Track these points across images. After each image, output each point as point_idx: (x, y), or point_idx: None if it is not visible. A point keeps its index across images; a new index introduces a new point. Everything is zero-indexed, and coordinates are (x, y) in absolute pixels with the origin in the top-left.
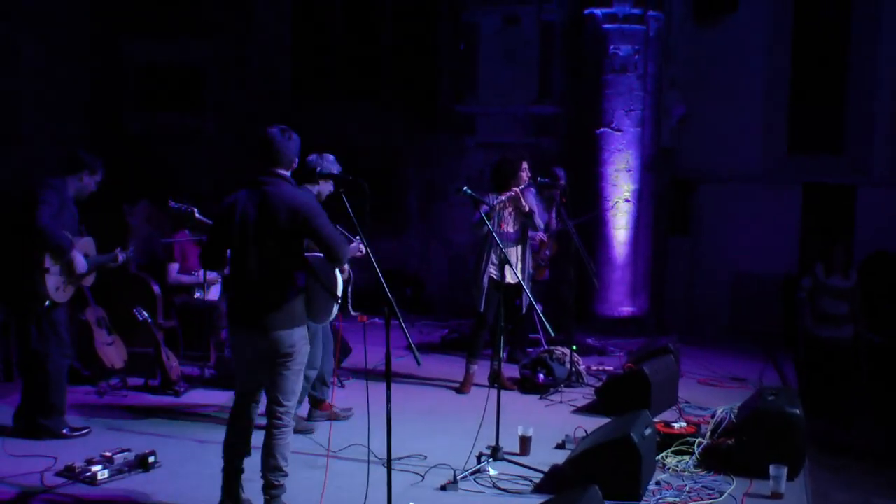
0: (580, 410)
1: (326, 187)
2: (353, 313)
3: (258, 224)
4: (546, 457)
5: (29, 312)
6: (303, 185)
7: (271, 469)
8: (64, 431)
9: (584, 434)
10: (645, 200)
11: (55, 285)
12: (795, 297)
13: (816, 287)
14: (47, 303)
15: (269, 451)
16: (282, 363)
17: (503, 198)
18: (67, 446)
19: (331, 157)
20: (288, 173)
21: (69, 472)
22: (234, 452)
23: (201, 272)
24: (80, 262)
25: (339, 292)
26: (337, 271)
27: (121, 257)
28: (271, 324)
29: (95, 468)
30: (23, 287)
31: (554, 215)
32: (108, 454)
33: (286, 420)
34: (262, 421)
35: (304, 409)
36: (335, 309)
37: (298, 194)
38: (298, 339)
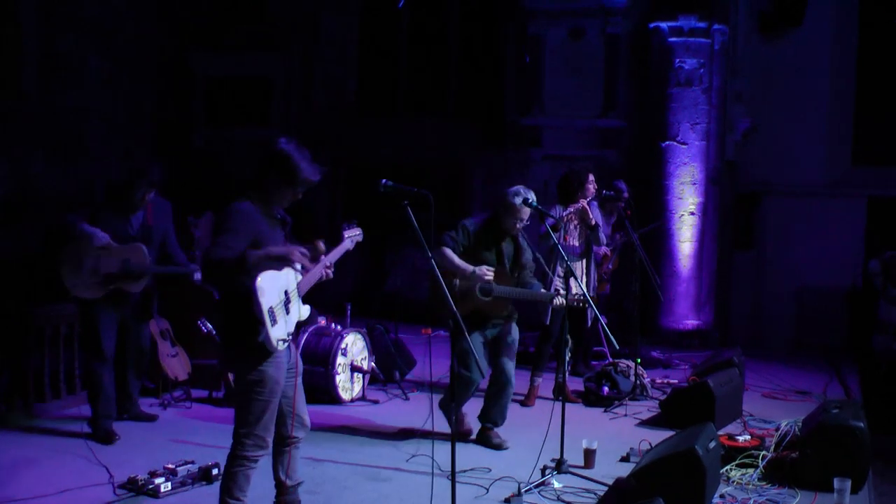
0: (644, 423)
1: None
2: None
3: None
4: (610, 470)
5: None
6: None
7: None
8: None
9: (649, 447)
10: (710, 213)
11: (74, 278)
12: (858, 311)
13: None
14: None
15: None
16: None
17: (570, 210)
18: (131, 458)
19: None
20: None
21: (132, 485)
22: None
23: None
24: (95, 232)
25: (263, 315)
26: (261, 289)
27: (196, 275)
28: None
29: (158, 480)
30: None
31: (613, 227)
32: (171, 466)
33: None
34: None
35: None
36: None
37: None
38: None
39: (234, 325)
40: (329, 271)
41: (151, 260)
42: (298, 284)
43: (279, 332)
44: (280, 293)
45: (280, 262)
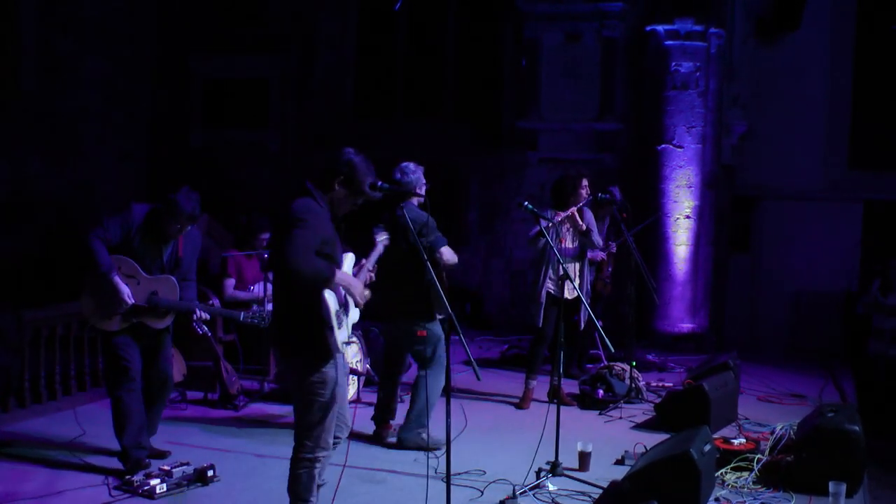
0: (639, 426)
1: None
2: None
3: None
4: (605, 472)
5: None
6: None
7: None
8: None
9: (644, 450)
10: (705, 217)
11: (94, 310)
12: (853, 316)
13: (874, 304)
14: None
15: None
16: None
17: (560, 217)
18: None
19: (421, 169)
20: (317, 188)
21: (127, 486)
22: None
23: (258, 287)
24: (123, 290)
25: (332, 320)
26: (328, 295)
27: (199, 313)
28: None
29: (154, 482)
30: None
31: (607, 231)
32: (166, 468)
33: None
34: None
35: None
36: (333, 338)
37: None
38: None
39: (301, 328)
40: (372, 274)
41: (182, 295)
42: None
43: (342, 335)
44: (339, 297)
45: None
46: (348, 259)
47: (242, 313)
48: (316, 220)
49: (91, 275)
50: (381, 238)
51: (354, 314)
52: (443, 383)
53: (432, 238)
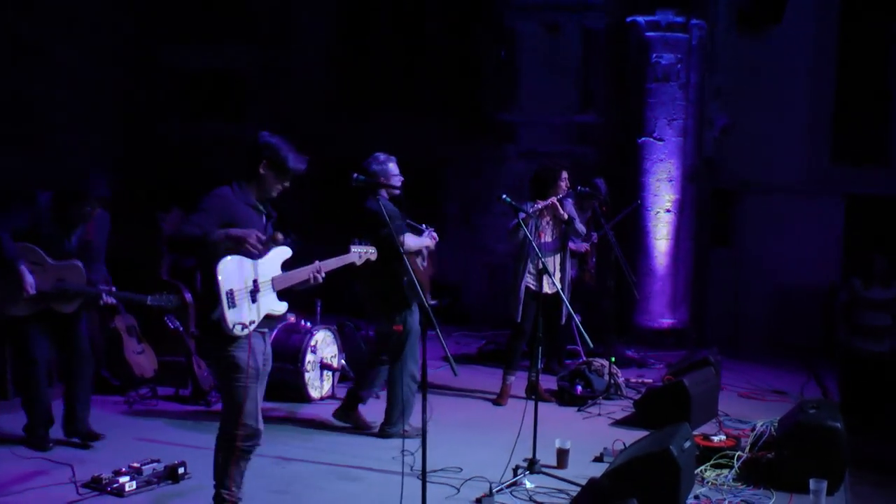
0: (618, 423)
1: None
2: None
3: None
4: (584, 470)
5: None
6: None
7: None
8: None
9: (623, 447)
10: (686, 211)
11: (2, 297)
12: (833, 312)
13: (855, 300)
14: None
15: None
16: None
17: (539, 206)
18: (95, 456)
19: (392, 159)
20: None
21: (96, 483)
22: None
23: None
24: (27, 280)
25: (221, 295)
26: (221, 271)
27: (105, 298)
28: None
29: (123, 479)
30: None
31: (587, 224)
32: (136, 465)
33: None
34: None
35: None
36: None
37: None
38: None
39: (199, 307)
40: (319, 276)
41: (88, 277)
42: (275, 278)
43: (236, 315)
44: (247, 280)
45: (236, 244)
46: (279, 252)
47: (149, 297)
48: (214, 204)
49: None
50: (361, 250)
51: (279, 305)
52: (416, 375)
53: (384, 231)
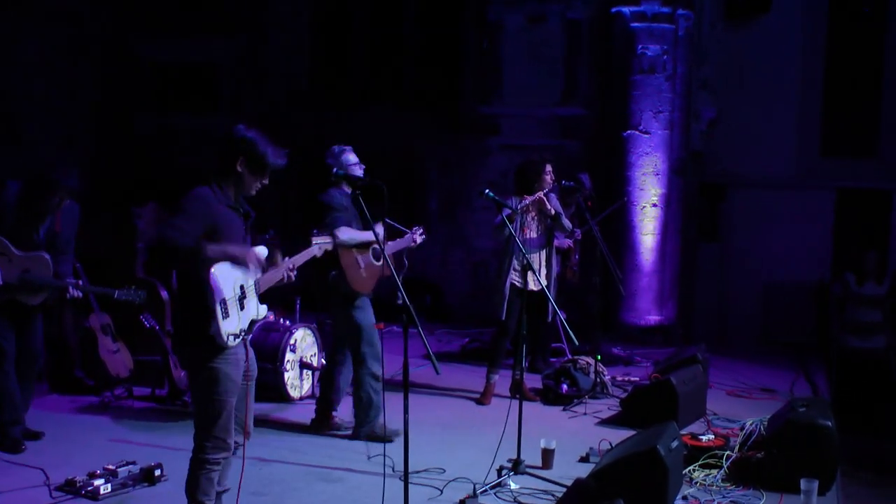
0: (605, 422)
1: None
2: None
3: None
4: (569, 470)
5: None
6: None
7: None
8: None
9: (609, 447)
10: (673, 206)
11: None
12: (827, 308)
13: (848, 296)
14: None
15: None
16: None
17: (526, 202)
18: (69, 459)
19: (346, 149)
20: (218, 175)
21: (70, 486)
22: None
23: None
24: None
25: (216, 306)
26: (219, 279)
27: (72, 291)
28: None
29: (98, 482)
30: None
31: (572, 220)
32: (111, 467)
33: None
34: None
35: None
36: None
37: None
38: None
39: (186, 316)
40: (292, 274)
41: (56, 270)
42: (257, 281)
43: (230, 326)
44: (235, 287)
45: (234, 262)
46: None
47: (117, 291)
48: (197, 207)
49: None
50: (321, 241)
51: (261, 309)
52: (376, 373)
53: (328, 220)
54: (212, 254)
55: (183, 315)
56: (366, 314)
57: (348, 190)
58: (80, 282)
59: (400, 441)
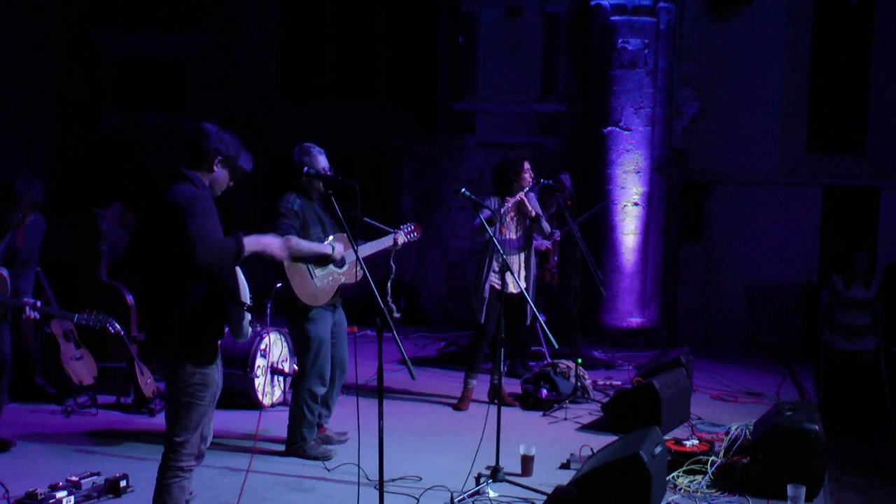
0: (586, 427)
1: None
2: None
3: None
4: (549, 477)
5: None
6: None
7: None
8: None
9: (591, 453)
10: (655, 204)
11: None
12: (817, 312)
13: (836, 299)
14: None
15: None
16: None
17: (509, 204)
18: (29, 470)
19: (316, 149)
20: (194, 172)
21: (30, 499)
22: None
23: None
24: None
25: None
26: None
27: (29, 312)
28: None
29: (60, 494)
30: None
31: (551, 220)
32: (74, 478)
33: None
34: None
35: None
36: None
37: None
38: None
39: (198, 319)
40: None
41: (15, 287)
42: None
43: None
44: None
45: (262, 255)
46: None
47: (77, 315)
48: (204, 206)
49: None
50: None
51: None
52: (316, 392)
53: (272, 226)
54: (247, 248)
55: (187, 322)
56: (318, 327)
57: (321, 189)
58: (38, 302)
59: (374, 448)
